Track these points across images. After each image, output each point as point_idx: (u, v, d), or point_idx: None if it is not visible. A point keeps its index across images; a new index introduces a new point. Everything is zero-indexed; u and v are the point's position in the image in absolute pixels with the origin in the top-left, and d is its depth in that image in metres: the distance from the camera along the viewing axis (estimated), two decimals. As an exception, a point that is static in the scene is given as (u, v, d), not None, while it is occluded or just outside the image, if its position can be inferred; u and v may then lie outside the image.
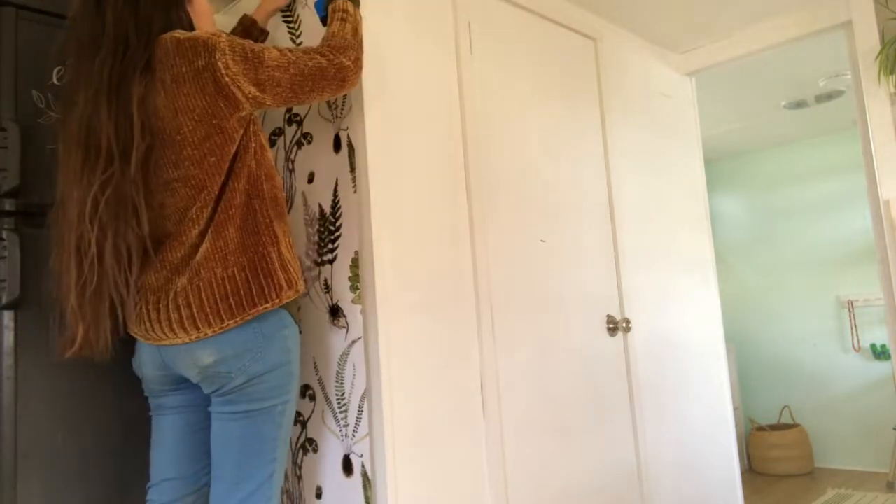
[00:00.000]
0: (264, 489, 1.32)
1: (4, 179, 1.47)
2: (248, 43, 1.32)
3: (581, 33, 2.41)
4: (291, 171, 1.81)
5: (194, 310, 1.28)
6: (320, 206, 1.72)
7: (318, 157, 1.74)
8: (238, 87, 1.28)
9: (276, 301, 1.31)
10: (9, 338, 1.45)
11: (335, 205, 1.68)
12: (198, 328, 1.28)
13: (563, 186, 2.19)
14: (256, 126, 1.38)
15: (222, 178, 1.30)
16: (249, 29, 1.75)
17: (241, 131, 1.32)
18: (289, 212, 1.81)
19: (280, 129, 1.86)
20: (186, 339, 1.30)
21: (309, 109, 1.78)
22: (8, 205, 1.47)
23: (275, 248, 1.33)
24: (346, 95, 1.67)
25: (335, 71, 1.38)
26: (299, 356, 1.41)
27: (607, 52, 2.51)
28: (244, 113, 1.31)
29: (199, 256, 1.29)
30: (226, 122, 1.29)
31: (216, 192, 1.30)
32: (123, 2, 1.30)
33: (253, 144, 1.35)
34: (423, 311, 1.68)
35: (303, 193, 1.77)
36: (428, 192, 1.75)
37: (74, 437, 1.51)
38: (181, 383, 1.43)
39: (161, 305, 1.32)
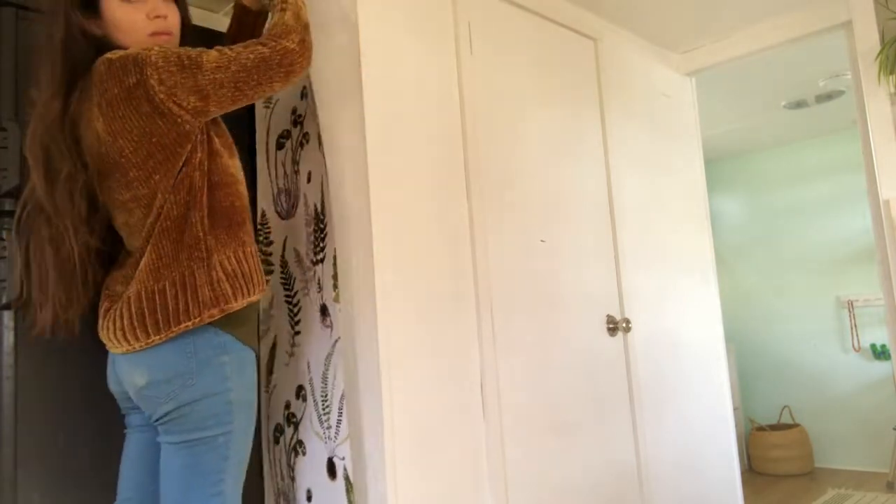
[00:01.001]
0: None
1: (4, 179, 1.47)
2: (183, 51, 1.27)
3: (581, 33, 2.40)
4: (296, 172, 1.81)
5: (125, 321, 1.26)
6: (315, 205, 1.72)
7: (311, 156, 1.74)
8: (175, 102, 1.23)
9: (198, 320, 1.25)
10: (9, 338, 1.45)
11: (323, 203, 1.67)
12: (128, 341, 1.26)
13: (563, 186, 2.19)
14: (204, 135, 1.32)
15: (167, 195, 1.28)
16: (242, 16, 1.65)
17: (188, 146, 1.28)
18: (294, 212, 1.81)
19: (287, 131, 1.86)
20: (122, 350, 1.29)
21: (306, 109, 1.77)
22: (8, 205, 1.47)
23: (203, 265, 1.28)
24: (312, 92, 1.65)
25: (280, 57, 1.31)
26: (248, 384, 1.33)
27: (607, 52, 2.51)
28: (186, 127, 1.26)
29: (137, 271, 1.29)
30: (165, 139, 1.25)
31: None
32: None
33: (198, 155, 1.30)
34: (423, 311, 1.67)
35: (304, 194, 1.77)
36: (428, 191, 1.75)
37: (74, 438, 1.51)
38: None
39: (109, 313, 1.32)
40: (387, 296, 1.59)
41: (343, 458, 1.55)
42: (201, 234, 1.28)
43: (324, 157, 1.63)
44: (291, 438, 1.74)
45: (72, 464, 1.50)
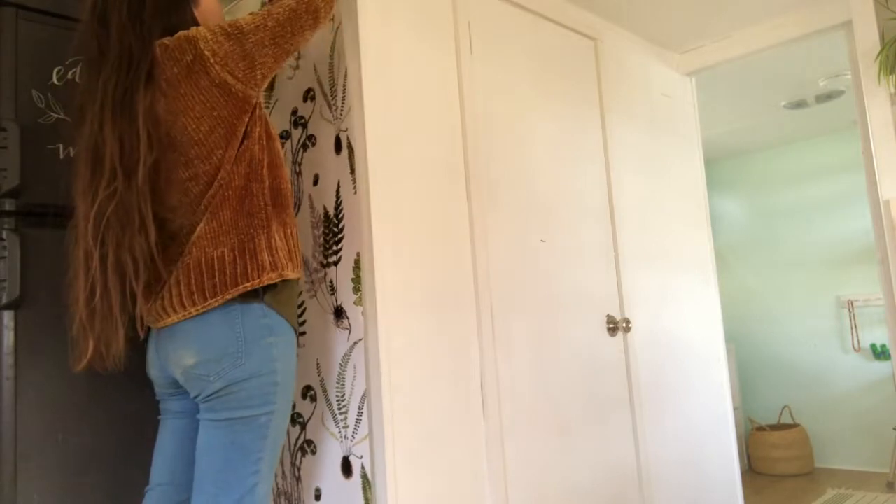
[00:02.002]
0: (245, 502, 1.29)
1: (4, 179, 1.47)
2: (224, 22, 1.34)
3: (581, 33, 2.40)
4: (298, 173, 1.81)
5: (182, 287, 1.30)
6: (325, 207, 1.72)
7: (322, 160, 1.74)
8: (228, 72, 1.29)
9: (257, 281, 1.30)
10: (9, 338, 1.45)
11: (338, 206, 1.68)
12: (184, 306, 1.30)
13: (563, 186, 2.19)
14: (260, 111, 1.39)
15: (229, 167, 1.32)
16: None
17: (246, 118, 1.33)
18: (297, 214, 1.81)
19: (287, 132, 1.86)
20: (175, 318, 1.31)
21: (312, 112, 1.78)
22: (8, 205, 1.47)
23: (264, 232, 1.34)
24: (344, 96, 1.67)
25: (305, 5, 1.39)
26: (292, 366, 1.37)
27: (607, 52, 2.51)
28: (240, 96, 1.32)
29: (194, 237, 1.32)
30: (224, 110, 1.30)
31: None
32: (127, 14, 1.31)
33: (257, 129, 1.36)
34: (423, 312, 1.68)
35: (309, 196, 1.78)
36: (428, 192, 1.75)
37: (74, 437, 1.51)
38: (180, 387, 1.42)
39: (165, 285, 1.34)
40: (387, 296, 1.59)
41: (361, 457, 1.57)
42: (263, 203, 1.35)
43: (350, 163, 1.64)
44: (298, 438, 1.75)
45: (71, 464, 1.50)
